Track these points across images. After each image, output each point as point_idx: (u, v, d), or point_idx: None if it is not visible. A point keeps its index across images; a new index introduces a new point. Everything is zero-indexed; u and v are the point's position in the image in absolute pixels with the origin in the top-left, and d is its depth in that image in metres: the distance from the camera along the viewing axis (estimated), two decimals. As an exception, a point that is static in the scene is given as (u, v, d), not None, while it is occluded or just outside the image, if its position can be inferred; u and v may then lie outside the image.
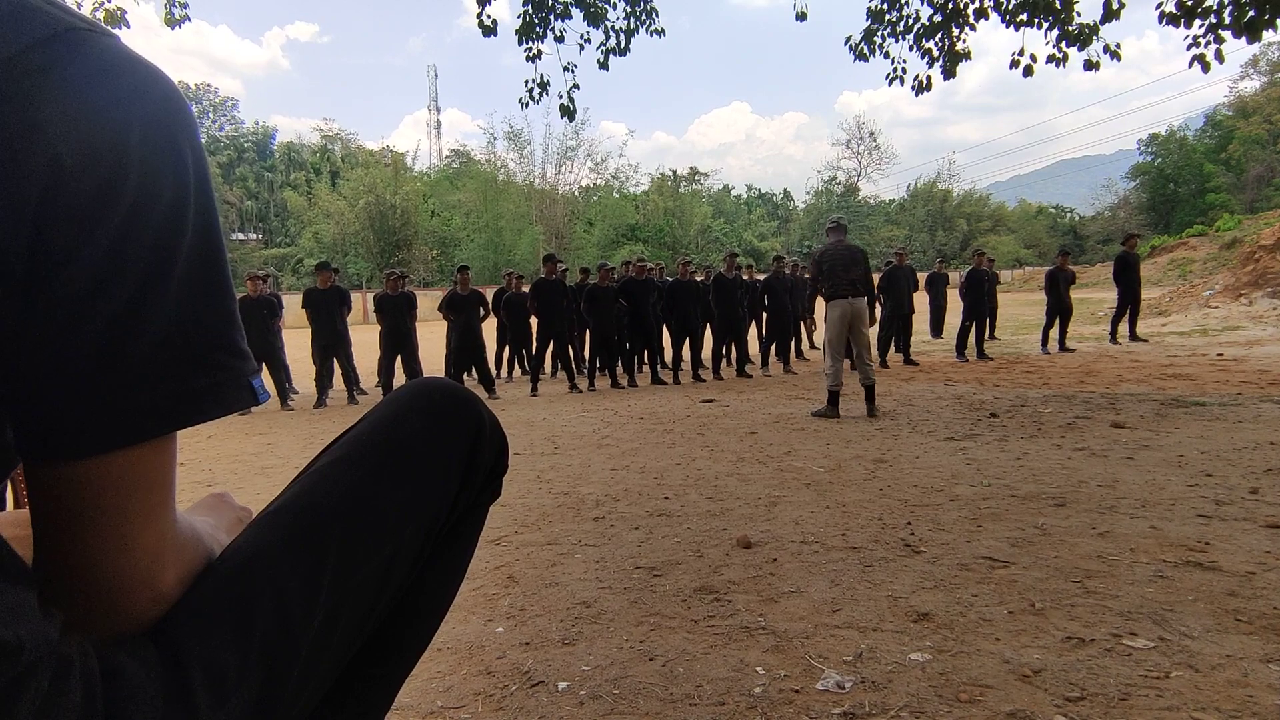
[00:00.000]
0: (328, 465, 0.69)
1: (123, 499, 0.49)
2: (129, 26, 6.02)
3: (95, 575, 0.49)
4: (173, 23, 6.14)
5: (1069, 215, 62.56)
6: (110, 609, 0.51)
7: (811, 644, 1.89)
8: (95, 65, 0.45)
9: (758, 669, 1.77)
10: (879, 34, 7.10)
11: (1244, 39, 5.18)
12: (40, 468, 0.47)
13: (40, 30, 0.43)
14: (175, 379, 0.49)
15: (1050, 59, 6.52)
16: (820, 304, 6.19)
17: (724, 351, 9.49)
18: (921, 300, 10.64)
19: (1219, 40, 5.50)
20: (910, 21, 6.95)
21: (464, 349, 8.27)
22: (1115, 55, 6.27)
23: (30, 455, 0.45)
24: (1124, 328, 10.50)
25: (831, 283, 5.62)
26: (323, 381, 8.01)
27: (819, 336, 10.48)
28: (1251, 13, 5.08)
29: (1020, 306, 20.36)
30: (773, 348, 9.39)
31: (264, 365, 7.86)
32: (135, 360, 0.47)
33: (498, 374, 9.73)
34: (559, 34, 6.63)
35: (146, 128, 0.47)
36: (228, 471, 4.64)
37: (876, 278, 8.51)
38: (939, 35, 6.85)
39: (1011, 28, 6.44)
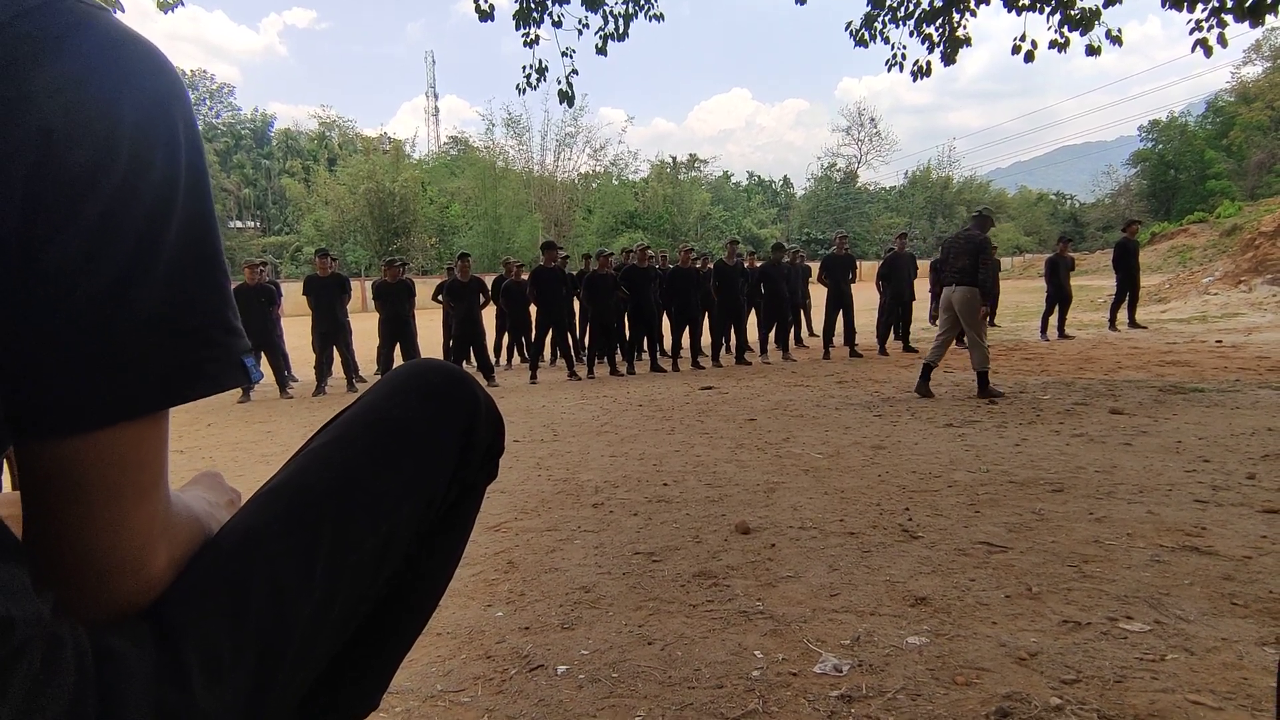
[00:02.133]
0: (323, 445, 0.69)
1: (113, 478, 0.48)
2: (123, 10, 5.96)
3: (84, 557, 0.49)
4: (165, 6, 6.07)
5: (1070, 202, 62.22)
6: (99, 592, 0.50)
7: (809, 628, 1.90)
8: (87, 37, 0.45)
9: (756, 653, 1.78)
10: (879, 19, 7.05)
11: (1246, 23, 5.14)
12: (30, 446, 0.46)
13: (28, 2, 0.43)
14: (167, 354, 0.49)
15: (1052, 44, 6.48)
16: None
17: (723, 339, 9.49)
18: (921, 287, 10.61)
19: (1222, 24, 5.46)
20: (911, 6, 6.90)
21: (464, 336, 8.27)
22: (1117, 40, 6.23)
23: (20, 433, 0.45)
24: (1123, 314, 10.49)
25: (945, 268, 5.98)
26: (322, 369, 8.01)
27: (818, 323, 10.47)
28: (1255, -4, 5.05)
29: (1020, 293, 20.34)
30: (772, 335, 9.38)
31: (263, 353, 7.86)
32: (126, 335, 0.46)
33: (497, 361, 9.73)
34: (556, 19, 6.57)
35: (139, 101, 0.47)
36: (228, 459, 4.64)
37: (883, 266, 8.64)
38: (940, 20, 6.80)
39: (1013, 12, 6.39)
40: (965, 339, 5.87)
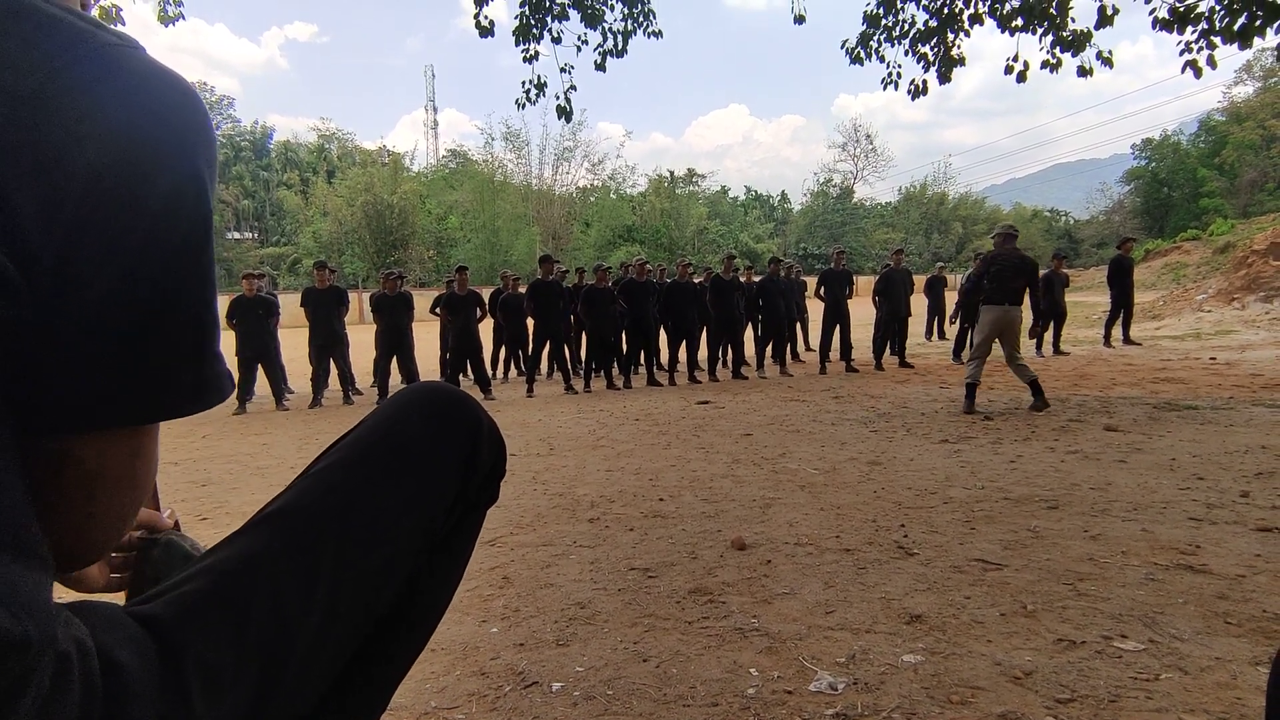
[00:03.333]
0: (326, 468, 0.70)
1: (97, 491, 0.49)
2: (124, 24, 6.00)
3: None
4: (166, 20, 6.13)
5: (1064, 219, 62.65)
6: None
7: (805, 645, 1.90)
8: (129, 81, 0.47)
9: (751, 670, 1.78)
10: (875, 38, 7.13)
11: (1235, 45, 5.22)
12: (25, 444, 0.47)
13: (77, 48, 0.45)
14: (169, 372, 0.50)
15: (1044, 65, 6.56)
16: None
17: (720, 353, 9.51)
18: (918, 303, 10.66)
19: (1211, 46, 5.54)
20: (906, 26, 6.98)
21: (461, 349, 8.27)
22: (1107, 62, 6.32)
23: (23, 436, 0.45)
24: (1118, 331, 10.55)
25: (995, 286, 5.83)
26: (319, 381, 7.99)
27: (814, 339, 10.50)
28: (1242, 19, 5.13)
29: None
30: (768, 350, 9.41)
31: (260, 365, 7.85)
32: (132, 348, 0.48)
33: (494, 375, 9.72)
34: (556, 35, 6.64)
35: (178, 143, 0.49)
36: (223, 472, 4.63)
37: (870, 281, 8.66)
38: (934, 40, 6.88)
39: (1007, 33, 6.48)
40: (1005, 354, 5.88)
